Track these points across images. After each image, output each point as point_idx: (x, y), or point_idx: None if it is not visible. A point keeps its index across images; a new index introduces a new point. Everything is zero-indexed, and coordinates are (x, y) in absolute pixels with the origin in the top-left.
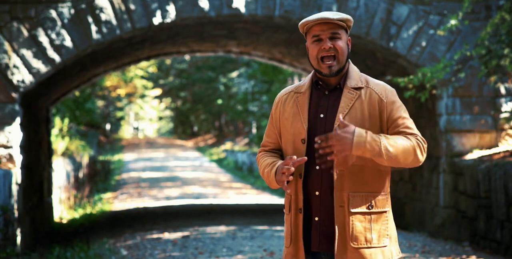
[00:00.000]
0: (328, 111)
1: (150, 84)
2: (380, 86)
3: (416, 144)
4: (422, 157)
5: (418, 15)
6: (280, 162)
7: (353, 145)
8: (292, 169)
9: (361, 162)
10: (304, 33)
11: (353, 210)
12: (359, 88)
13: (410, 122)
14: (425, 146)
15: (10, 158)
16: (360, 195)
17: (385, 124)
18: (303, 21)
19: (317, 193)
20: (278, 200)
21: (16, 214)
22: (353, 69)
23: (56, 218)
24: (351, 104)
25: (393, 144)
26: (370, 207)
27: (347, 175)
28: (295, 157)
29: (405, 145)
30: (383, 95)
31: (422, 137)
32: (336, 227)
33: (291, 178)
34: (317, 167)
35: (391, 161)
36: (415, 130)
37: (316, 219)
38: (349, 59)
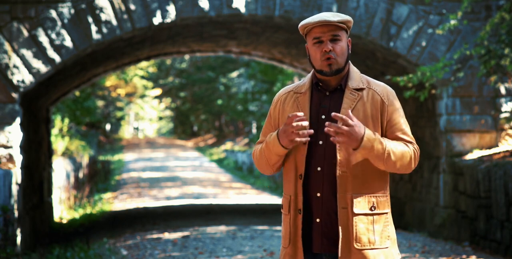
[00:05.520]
0: (329, 113)
1: (150, 84)
2: (381, 88)
3: (412, 152)
4: (414, 166)
5: (418, 15)
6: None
7: (360, 146)
8: (306, 122)
9: (362, 162)
10: (304, 34)
11: (356, 212)
12: (361, 90)
13: (407, 129)
14: (418, 154)
15: (10, 158)
16: (362, 196)
17: (384, 127)
18: (303, 22)
19: (318, 194)
20: (278, 200)
21: (16, 214)
22: (354, 70)
23: (56, 218)
24: (353, 106)
25: (395, 150)
26: (372, 208)
27: (349, 177)
28: (296, 113)
29: (404, 152)
30: (385, 97)
31: (417, 145)
32: (340, 229)
33: (310, 132)
34: (319, 169)
35: (387, 166)
36: (411, 137)
37: (318, 220)
38: (350, 61)
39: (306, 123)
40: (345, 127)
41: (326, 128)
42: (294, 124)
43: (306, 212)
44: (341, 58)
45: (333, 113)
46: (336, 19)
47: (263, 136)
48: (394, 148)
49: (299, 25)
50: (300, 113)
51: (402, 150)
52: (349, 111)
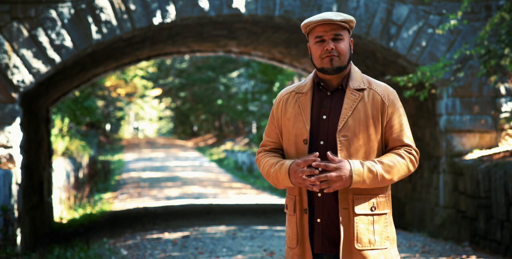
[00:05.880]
0: (330, 113)
1: (150, 84)
2: (382, 88)
3: (408, 160)
4: (413, 169)
5: (418, 15)
6: (288, 161)
7: (352, 183)
8: (317, 171)
9: None
10: (307, 33)
11: (357, 212)
12: (362, 90)
13: (407, 130)
14: (418, 156)
15: (10, 158)
16: (363, 197)
17: (383, 127)
18: (305, 21)
19: (319, 194)
20: (278, 200)
21: (16, 214)
22: (355, 70)
23: (56, 218)
24: (354, 106)
25: (388, 169)
26: (373, 209)
27: None
28: (311, 157)
29: (398, 164)
30: (385, 97)
31: (415, 148)
32: (342, 229)
33: (316, 188)
34: (320, 169)
35: (384, 184)
36: (409, 139)
37: (318, 220)
38: (351, 61)
39: (317, 172)
40: (333, 174)
41: (315, 187)
42: (305, 169)
43: (308, 212)
44: (343, 57)
45: (314, 163)
46: (339, 18)
47: (266, 137)
48: (387, 165)
49: (302, 24)
50: (314, 159)
51: (396, 163)
52: (328, 152)
